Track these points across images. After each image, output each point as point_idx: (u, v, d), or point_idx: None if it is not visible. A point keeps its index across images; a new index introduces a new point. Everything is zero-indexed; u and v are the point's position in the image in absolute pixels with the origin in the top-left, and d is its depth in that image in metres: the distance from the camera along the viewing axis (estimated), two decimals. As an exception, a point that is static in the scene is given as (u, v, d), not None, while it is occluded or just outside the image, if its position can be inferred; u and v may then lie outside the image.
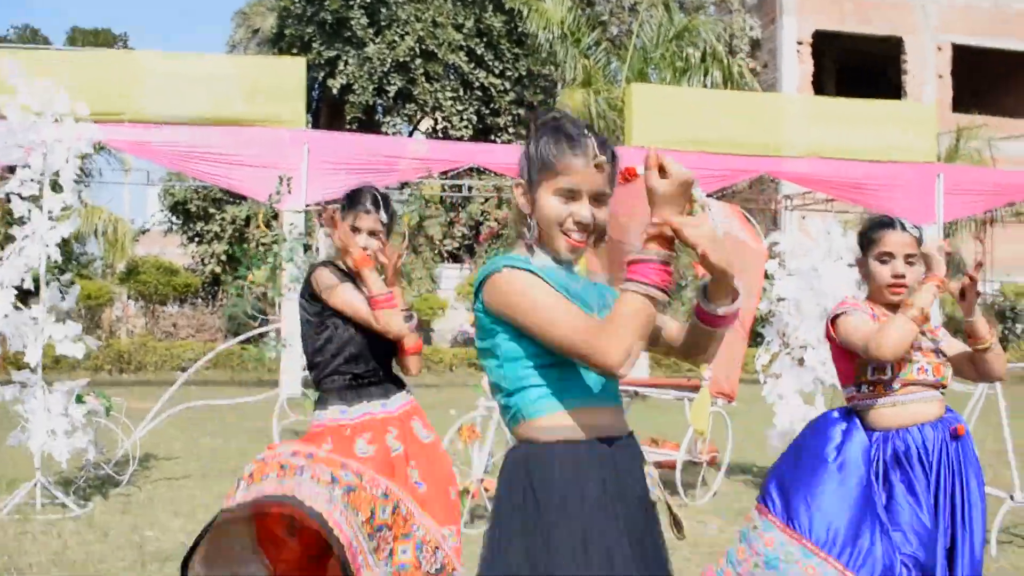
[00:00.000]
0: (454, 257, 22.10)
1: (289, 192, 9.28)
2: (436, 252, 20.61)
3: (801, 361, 7.38)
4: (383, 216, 3.45)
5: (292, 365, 13.54)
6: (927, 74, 23.56)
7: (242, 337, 9.36)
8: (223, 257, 21.79)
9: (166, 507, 6.34)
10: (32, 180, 6.21)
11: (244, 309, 19.35)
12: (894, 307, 3.19)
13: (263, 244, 21.53)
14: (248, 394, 9.08)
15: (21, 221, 6.17)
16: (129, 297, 21.78)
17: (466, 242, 21.36)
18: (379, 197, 3.48)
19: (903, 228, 3.23)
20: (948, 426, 3.15)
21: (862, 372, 3.21)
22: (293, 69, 14.27)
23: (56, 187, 6.27)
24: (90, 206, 22.05)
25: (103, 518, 5.98)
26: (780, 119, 15.91)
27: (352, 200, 3.47)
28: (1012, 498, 5.76)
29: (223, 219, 21.53)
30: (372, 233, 3.42)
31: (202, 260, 22.20)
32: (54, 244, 6.17)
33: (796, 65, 22.88)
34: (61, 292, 6.44)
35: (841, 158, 15.78)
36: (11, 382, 6.23)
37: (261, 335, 8.96)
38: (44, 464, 6.32)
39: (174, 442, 9.15)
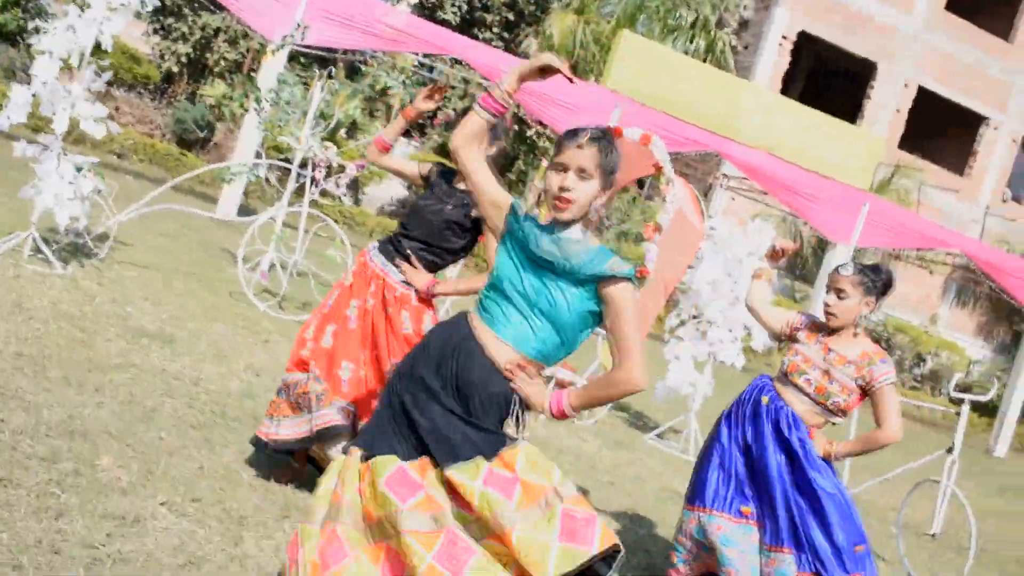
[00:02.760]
0: (405, 133, 22.60)
1: (304, 38, 9.78)
2: (389, 122, 21.12)
3: (704, 334, 8.46)
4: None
5: (230, 189, 14.19)
6: (888, 105, 24.74)
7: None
8: (183, 59, 21.87)
9: (136, 290, 7.06)
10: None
11: (195, 117, 19.70)
12: (835, 332, 4.15)
13: (225, 59, 21.78)
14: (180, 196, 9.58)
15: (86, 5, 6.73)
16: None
17: (420, 121, 21.87)
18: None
19: (840, 271, 4.17)
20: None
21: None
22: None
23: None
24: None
25: (85, 283, 6.69)
26: (744, 105, 16.84)
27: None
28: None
29: (194, 23, 21.58)
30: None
31: (161, 55, 22.24)
32: (109, 33, 6.76)
33: (775, 57, 23.79)
34: (97, 73, 7.03)
35: (786, 159, 16.85)
36: (35, 142, 6.85)
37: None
38: (40, 221, 6.97)
39: (134, 231, 9.79)
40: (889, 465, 8.36)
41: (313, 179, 8.34)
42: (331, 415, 3.98)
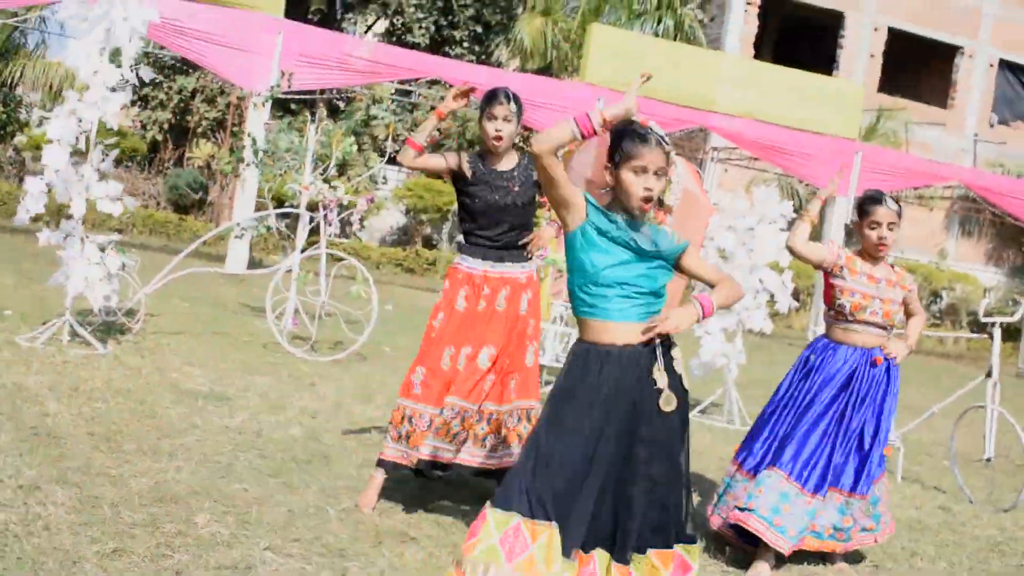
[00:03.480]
0: (393, 160, 22.78)
1: (290, 86, 9.98)
2: (378, 151, 21.30)
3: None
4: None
5: (238, 244, 14.38)
6: (861, 52, 24.91)
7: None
8: (165, 126, 22.08)
9: (176, 357, 7.24)
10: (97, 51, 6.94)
11: (188, 181, 19.92)
12: (876, 260, 4.57)
13: (207, 118, 21.99)
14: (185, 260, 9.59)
15: (84, 88, 6.91)
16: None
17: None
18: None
19: (888, 204, 4.52)
20: (872, 356, 4.53)
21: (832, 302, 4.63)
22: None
23: (115, 61, 7.01)
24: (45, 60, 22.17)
25: (127, 359, 6.87)
26: (720, 77, 17.02)
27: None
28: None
29: (170, 88, 21.80)
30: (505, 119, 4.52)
31: (143, 125, 22.46)
32: (110, 112, 6.94)
33: (742, 24, 23.97)
34: (104, 154, 7.22)
35: (771, 122, 17.02)
36: (58, 229, 7.03)
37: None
38: (73, 305, 7.15)
39: (155, 301, 9.96)
40: (929, 402, 8.52)
41: (327, 220, 8.50)
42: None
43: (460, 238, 4.73)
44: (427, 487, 4.76)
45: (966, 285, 23.60)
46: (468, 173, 4.55)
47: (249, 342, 8.52)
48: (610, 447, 3.08)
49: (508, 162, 4.59)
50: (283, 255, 18.34)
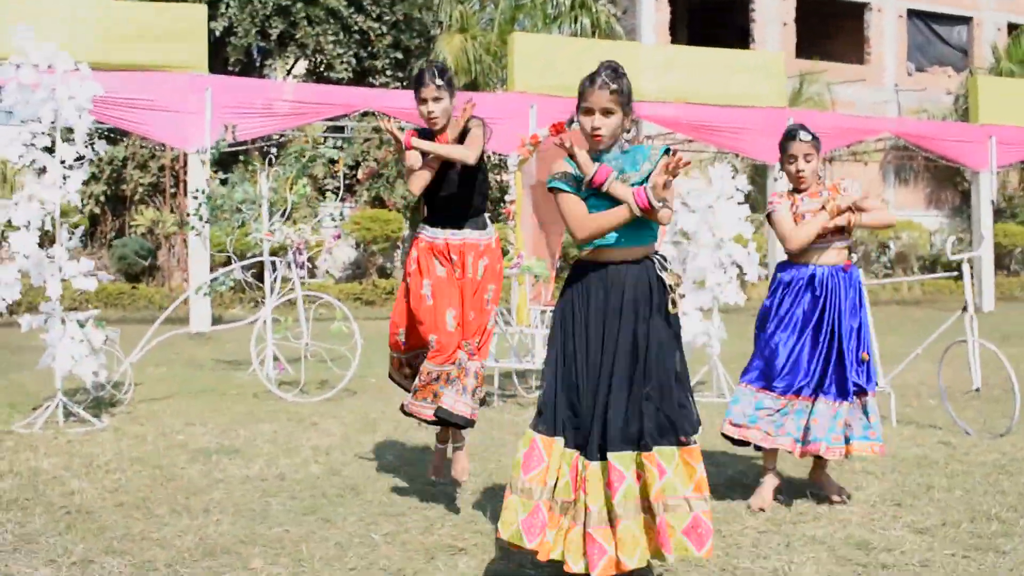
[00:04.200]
0: (335, 195, 22.80)
1: (235, 137, 10.03)
2: (319, 191, 21.32)
3: (702, 283, 8.80)
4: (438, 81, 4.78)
5: (200, 303, 14.33)
6: (773, 22, 25.40)
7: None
8: (102, 198, 21.91)
9: (174, 419, 7.27)
10: (44, 133, 6.97)
11: (135, 249, 19.78)
12: (802, 192, 4.95)
13: (142, 184, 21.86)
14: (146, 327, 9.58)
15: (42, 171, 6.93)
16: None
17: (347, 181, 22.08)
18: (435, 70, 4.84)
19: (800, 137, 4.86)
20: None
21: None
22: (193, 15, 14.83)
23: (67, 139, 7.04)
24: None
25: (128, 429, 6.89)
26: (642, 66, 17.27)
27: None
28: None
29: (101, 159, 21.63)
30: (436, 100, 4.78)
31: (81, 200, 22.25)
32: (74, 190, 6.97)
33: (654, 13, 24.35)
34: (69, 233, 7.24)
35: (700, 103, 17.32)
36: (38, 313, 7.04)
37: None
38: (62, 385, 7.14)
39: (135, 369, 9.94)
40: (907, 348, 8.77)
41: (297, 263, 8.57)
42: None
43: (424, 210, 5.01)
44: (456, 500, 4.87)
45: (911, 232, 24.12)
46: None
47: (239, 395, 8.55)
48: (618, 349, 3.52)
49: (453, 133, 4.83)
50: (245, 307, 18.33)
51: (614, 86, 3.52)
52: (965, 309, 6.83)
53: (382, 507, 4.81)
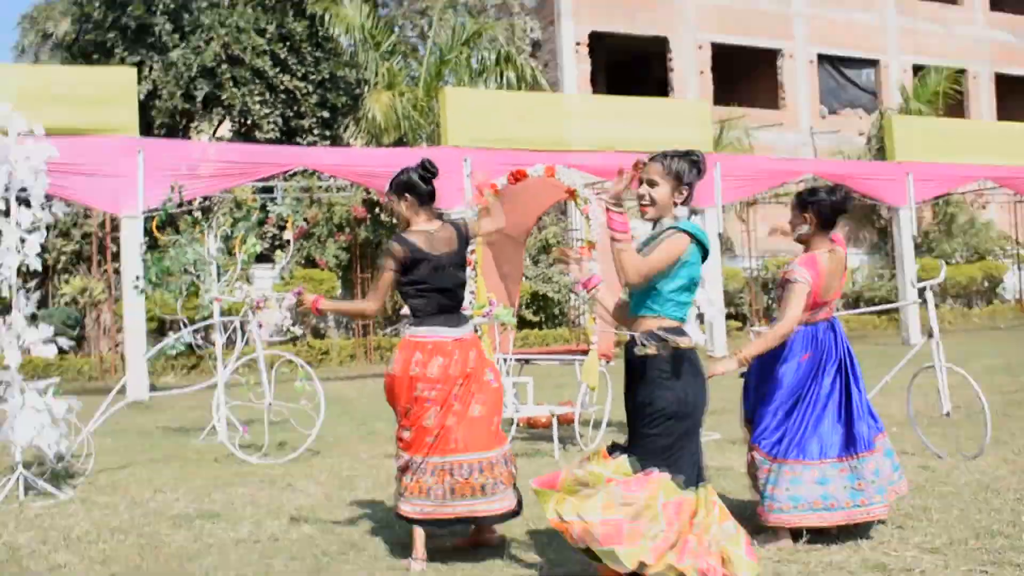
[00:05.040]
0: (266, 258, 22.55)
1: (182, 198, 9.86)
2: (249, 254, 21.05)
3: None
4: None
5: (137, 370, 13.99)
6: (690, 71, 25.96)
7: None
8: (22, 268, 21.32)
9: (141, 487, 7.03)
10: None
11: (63, 320, 19.24)
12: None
13: (64, 253, 21.35)
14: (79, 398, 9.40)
15: (-3, 236, 6.73)
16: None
17: (276, 242, 21.86)
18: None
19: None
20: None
21: None
22: (122, 78, 14.65)
23: (23, 202, 6.86)
24: None
25: (96, 499, 6.65)
26: (570, 116, 17.49)
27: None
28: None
29: (19, 226, 21.09)
30: None
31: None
32: (33, 254, 6.77)
33: (575, 65, 24.72)
34: (27, 298, 7.03)
35: (628, 150, 17.54)
36: (-3, 382, 6.79)
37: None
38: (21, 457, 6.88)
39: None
40: (870, 377, 8.90)
41: (258, 323, 8.42)
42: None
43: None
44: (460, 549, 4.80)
45: (834, 269, 24.53)
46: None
47: (199, 460, 8.33)
48: None
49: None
50: (177, 374, 17.92)
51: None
52: (931, 335, 6.97)
53: (388, 560, 4.71)
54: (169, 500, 6.53)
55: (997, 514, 5.09)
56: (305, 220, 21.79)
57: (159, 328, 18.18)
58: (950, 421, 7.59)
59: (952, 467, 6.41)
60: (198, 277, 9.56)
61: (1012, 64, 31.51)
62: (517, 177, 8.24)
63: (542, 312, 20.80)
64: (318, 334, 21.10)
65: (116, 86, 14.32)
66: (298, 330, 10.85)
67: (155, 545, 5.24)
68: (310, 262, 21.17)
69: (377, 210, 20.24)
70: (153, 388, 14.63)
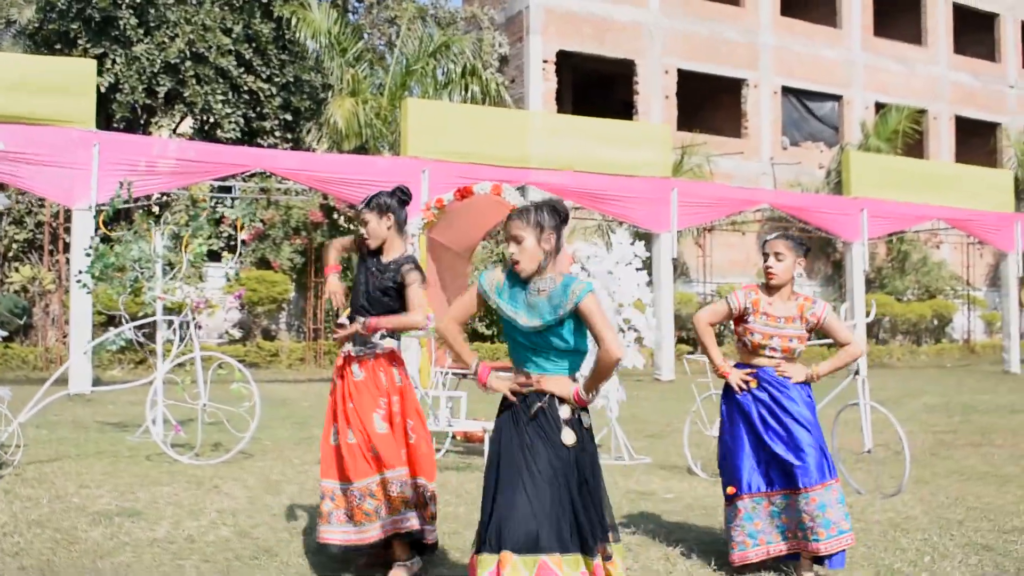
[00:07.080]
0: (218, 256, 22.46)
1: (131, 195, 9.83)
2: (210, 250, 20.96)
3: (601, 346, 8.96)
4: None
5: (81, 363, 13.90)
6: (656, 95, 26.20)
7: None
8: (-30, 256, 21.12)
9: (67, 482, 7.00)
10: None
11: (9, 307, 19.07)
12: (772, 292, 4.98)
13: (16, 241, 21.15)
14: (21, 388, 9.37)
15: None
16: None
17: (231, 242, 21.79)
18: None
19: (782, 237, 4.98)
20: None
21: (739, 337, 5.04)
22: (82, 69, 14.57)
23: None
24: None
25: (20, 491, 6.61)
26: (532, 134, 17.58)
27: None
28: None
29: (-27, 214, 20.90)
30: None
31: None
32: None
33: (541, 82, 24.87)
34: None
35: (588, 171, 17.67)
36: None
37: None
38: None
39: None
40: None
41: (196, 323, 8.42)
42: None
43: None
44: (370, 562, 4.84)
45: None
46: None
47: (131, 457, 8.31)
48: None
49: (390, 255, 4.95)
50: (124, 368, 17.80)
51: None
52: (857, 373, 7.11)
53: (300, 568, 4.74)
54: (93, 496, 6.52)
55: (902, 553, 5.21)
56: (261, 221, 21.78)
57: (108, 321, 18.06)
58: (873, 458, 7.72)
59: (867, 504, 6.53)
60: (142, 274, 9.52)
61: (972, 107, 32.09)
62: (464, 194, 8.33)
63: (495, 326, 20.85)
64: (267, 335, 21.03)
65: (75, 76, 14.25)
66: (237, 333, 10.80)
67: (70, 540, 5.24)
68: (264, 263, 21.11)
69: (335, 215, 20.23)
70: (98, 382, 14.55)
